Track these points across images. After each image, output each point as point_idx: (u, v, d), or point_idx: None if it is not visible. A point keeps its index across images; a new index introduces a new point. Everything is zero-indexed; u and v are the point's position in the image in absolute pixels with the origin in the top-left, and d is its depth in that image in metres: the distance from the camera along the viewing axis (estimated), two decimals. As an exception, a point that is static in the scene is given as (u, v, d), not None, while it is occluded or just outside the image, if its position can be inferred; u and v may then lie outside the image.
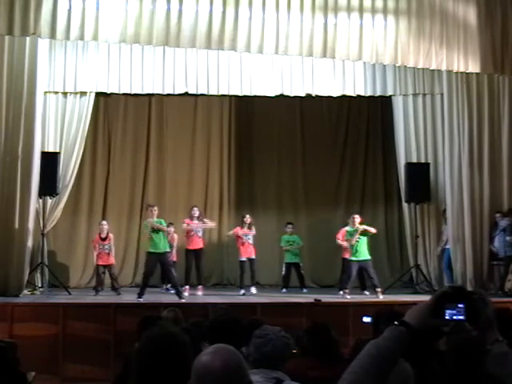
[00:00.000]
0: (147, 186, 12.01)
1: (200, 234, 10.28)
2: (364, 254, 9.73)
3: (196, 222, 10.23)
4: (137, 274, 11.60)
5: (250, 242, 10.23)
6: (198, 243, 10.24)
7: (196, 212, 10.27)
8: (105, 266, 10.15)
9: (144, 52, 10.35)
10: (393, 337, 1.77)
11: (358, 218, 9.93)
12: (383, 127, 12.38)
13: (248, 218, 10.31)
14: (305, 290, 10.63)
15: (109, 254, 10.17)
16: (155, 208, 9.59)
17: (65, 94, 10.53)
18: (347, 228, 9.94)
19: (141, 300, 8.94)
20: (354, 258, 9.70)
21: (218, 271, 11.88)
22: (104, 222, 10.37)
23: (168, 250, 9.62)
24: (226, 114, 12.26)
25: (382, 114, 12.29)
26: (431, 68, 9.41)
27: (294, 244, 10.84)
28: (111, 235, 10.28)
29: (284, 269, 10.85)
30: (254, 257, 10.26)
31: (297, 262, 10.82)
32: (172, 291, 10.31)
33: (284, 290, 10.65)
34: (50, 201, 10.19)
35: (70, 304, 8.45)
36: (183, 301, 8.86)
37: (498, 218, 10.05)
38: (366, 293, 10.10)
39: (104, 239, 10.17)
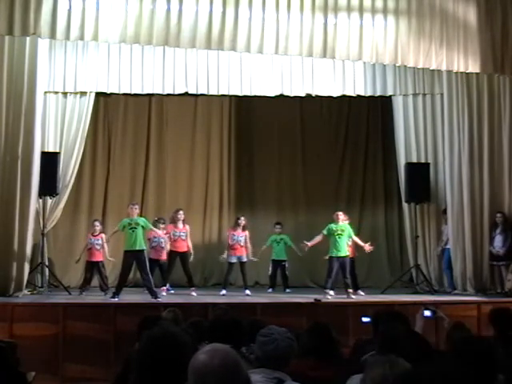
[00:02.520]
0: (147, 186, 12.01)
1: (184, 236, 10.23)
2: (344, 250, 9.71)
3: (180, 227, 10.19)
4: (136, 274, 11.59)
5: (241, 243, 10.21)
6: (183, 246, 10.19)
7: (182, 215, 10.26)
8: (93, 263, 10.01)
9: (144, 52, 10.36)
10: None
11: (341, 215, 9.89)
12: (383, 127, 12.38)
13: (243, 221, 10.30)
14: (288, 290, 10.60)
15: (98, 250, 10.00)
16: (136, 206, 9.60)
17: (65, 94, 10.53)
18: (330, 225, 9.82)
19: (115, 300, 8.88)
20: (333, 255, 9.67)
21: (218, 271, 11.86)
22: (97, 223, 10.26)
23: (144, 248, 9.44)
24: (226, 114, 12.26)
25: (382, 114, 12.29)
26: (431, 68, 9.41)
27: (281, 242, 10.79)
28: (103, 235, 10.15)
29: (270, 267, 10.79)
30: (245, 259, 10.25)
31: (283, 260, 10.76)
32: (172, 291, 10.32)
33: (270, 290, 10.61)
34: (50, 201, 10.18)
35: (70, 304, 8.44)
36: (160, 300, 8.83)
37: (498, 219, 10.05)
38: (361, 293, 10.08)
39: (95, 236, 10.07)
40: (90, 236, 10.12)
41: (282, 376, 3.03)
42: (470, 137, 10.17)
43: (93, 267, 9.99)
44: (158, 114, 12.10)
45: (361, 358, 3.76)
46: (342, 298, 9.39)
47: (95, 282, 10.23)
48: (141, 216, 9.86)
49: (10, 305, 8.09)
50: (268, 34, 8.67)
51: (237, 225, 10.29)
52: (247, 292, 9.97)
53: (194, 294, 9.86)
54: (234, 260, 10.19)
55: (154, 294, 9.06)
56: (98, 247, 10.03)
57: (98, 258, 10.03)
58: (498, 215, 10.03)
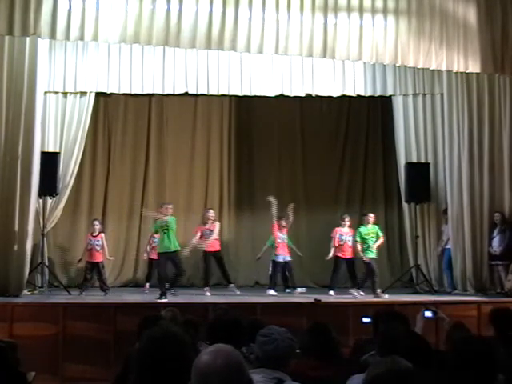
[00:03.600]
0: (147, 186, 12.00)
1: (214, 235, 10.33)
2: (373, 252, 9.90)
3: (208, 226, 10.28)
4: (136, 274, 11.61)
5: (286, 241, 10.34)
6: (214, 245, 10.28)
7: (213, 215, 10.36)
8: (93, 264, 9.99)
9: (144, 52, 10.35)
10: None
11: (372, 218, 10.13)
12: (383, 127, 12.38)
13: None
14: (288, 291, 10.54)
15: (98, 251, 10.00)
16: (171, 206, 9.62)
17: (65, 94, 10.53)
18: (361, 228, 9.96)
19: (164, 300, 8.85)
20: (370, 255, 9.83)
21: (218, 271, 11.87)
22: (96, 222, 10.26)
23: (179, 248, 9.56)
24: (226, 114, 12.25)
25: (382, 113, 12.28)
26: (431, 68, 9.41)
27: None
28: (102, 235, 10.18)
29: (270, 268, 10.77)
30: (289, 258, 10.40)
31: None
32: (172, 291, 10.33)
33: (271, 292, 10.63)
34: (50, 201, 10.18)
35: (70, 304, 8.44)
36: (165, 301, 8.84)
37: (496, 218, 10.05)
38: (362, 293, 10.10)
39: (95, 236, 10.08)
40: (90, 237, 10.11)
41: (282, 376, 3.03)
42: (470, 137, 10.17)
43: (93, 268, 9.99)
44: (158, 114, 12.09)
45: (361, 358, 3.76)
46: (342, 298, 9.40)
47: (93, 282, 10.24)
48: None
49: (9, 305, 8.08)
50: (268, 34, 8.67)
51: (282, 224, 10.33)
52: (300, 290, 10.05)
53: (237, 291, 10.03)
54: (281, 259, 10.26)
55: (164, 294, 9.07)
56: (98, 248, 10.02)
57: (98, 258, 10.02)
58: (496, 215, 10.04)
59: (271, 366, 3.07)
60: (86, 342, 7.80)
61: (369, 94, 11.11)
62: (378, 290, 9.68)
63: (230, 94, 11.05)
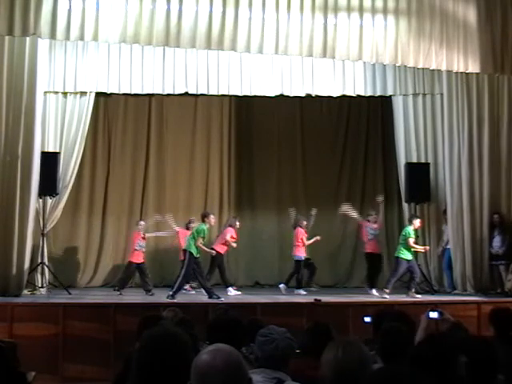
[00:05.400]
0: (147, 186, 12.01)
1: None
2: (413, 252, 9.92)
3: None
4: (136, 274, 11.59)
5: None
6: (223, 248, 10.48)
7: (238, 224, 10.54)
8: (137, 265, 10.15)
9: (144, 52, 10.36)
10: None
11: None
12: (383, 127, 12.38)
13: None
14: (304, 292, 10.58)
15: (143, 251, 10.25)
16: (212, 216, 9.90)
17: (65, 94, 10.53)
18: (411, 231, 9.92)
19: (174, 300, 8.87)
20: (409, 257, 9.81)
21: (217, 271, 11.86)
22: (142, 222, 10.44)
23: (196, 254, 9.58)
24: (226, 114, 12.26)
25: (382, 113, 12.29)
26: (431, 68, 9.41)
27: None
28: (146, 234, 10.41)
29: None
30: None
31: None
32: (170, 292, 10.35)
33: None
34: (50, 201, 10.18)
35: (70, 304, 8.45)
36: (175, 301, 8.85)
37: (495, 220, 10.05)
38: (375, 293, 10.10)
39: (144, 238, 10.25)
40: (140, 238, 10.17)
41: (281, 376, 3.03)
42: (470, 137, 10.17)
43: (135, 268, 10.12)
44: (158, 114, 12.10)
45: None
46: (342, 298, 9.39)
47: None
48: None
49: (10, 305, 8.09)
50: (268, 34, 8.67)
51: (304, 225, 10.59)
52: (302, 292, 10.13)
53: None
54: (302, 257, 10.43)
55: (176, 294, 9.15)
56: (144, 249, 10.24)
57: (142, 259, 10.16)
58: (495, 216, 10.06)
59: (271, 366, 3.07)
60: (86, 342, 7.81)
61: (369, 94, 11.12)
62: (387, 289, 9.66)
63: (230, 94, 11.05)
